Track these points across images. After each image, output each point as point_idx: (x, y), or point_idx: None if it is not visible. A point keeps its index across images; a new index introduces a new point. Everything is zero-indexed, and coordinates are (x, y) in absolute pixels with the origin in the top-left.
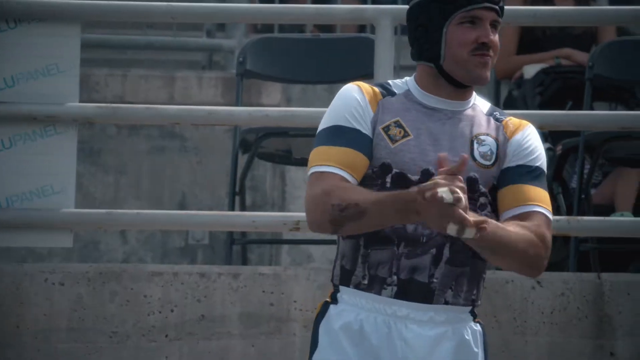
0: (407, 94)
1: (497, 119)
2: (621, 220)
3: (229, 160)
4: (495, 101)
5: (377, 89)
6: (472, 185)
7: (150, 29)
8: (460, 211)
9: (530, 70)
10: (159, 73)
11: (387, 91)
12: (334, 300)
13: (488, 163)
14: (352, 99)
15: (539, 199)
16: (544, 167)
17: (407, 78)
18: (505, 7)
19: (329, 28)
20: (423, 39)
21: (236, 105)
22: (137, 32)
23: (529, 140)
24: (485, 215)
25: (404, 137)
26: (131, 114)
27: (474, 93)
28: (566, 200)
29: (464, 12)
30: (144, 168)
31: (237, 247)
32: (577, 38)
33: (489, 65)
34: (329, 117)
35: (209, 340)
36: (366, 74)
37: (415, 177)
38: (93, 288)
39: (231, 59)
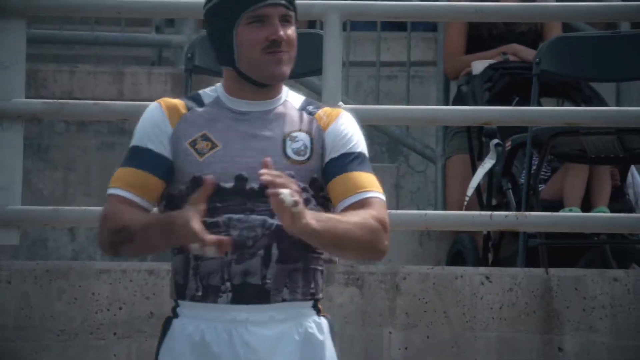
0: (217, 101)
1: (310, 113)
2: (569, 216)
3: None
4: (445, 97)
5: (182, 103)
6: None
7: (98, 24)
8: (195, 230)
9: (478, 66)
10: (108, 69)
11: (196, 102)
12: (175, 314)
13: (303, 158)
14: (149, 119)
15: (369, 184)
16: (365, 150)
17: (218, 84)
18: (452, 3)
19: None
20: (218, 44)
21: None
22: (85, 28)
23: (345, 128)
24: (311, 209)
25: (211, 149)
26: (78, 109)
27: (285, 88)
28: (515, 196)
29: (249, 12)
30: (93, 164)
31: None
32: (523, 35)
33: (283, 61)
34: (132, 137)
35: (157, 338)
36: (315, 70)
37: (229, 185)
38: (40, 286)
39: (180, 54)
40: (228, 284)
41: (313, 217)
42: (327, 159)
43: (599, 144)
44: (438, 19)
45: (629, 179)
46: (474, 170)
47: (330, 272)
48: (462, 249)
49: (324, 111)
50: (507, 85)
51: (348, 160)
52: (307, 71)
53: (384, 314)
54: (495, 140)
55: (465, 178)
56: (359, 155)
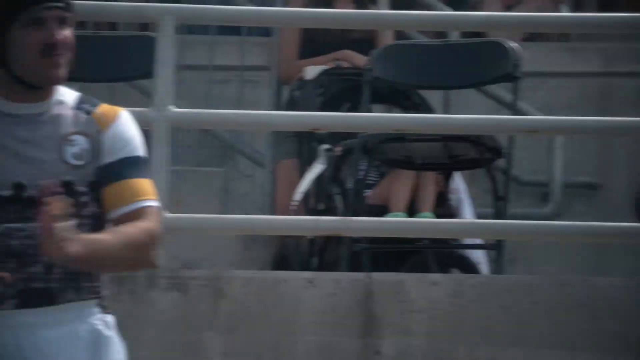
0: None
1: (87, 112)
2: (393, 221)
3: None
4: (277, 102)
5: None
6: (69, 189)
7: None
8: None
9: (311, 72)
10: None
11: None
12: None
13: (82, 163)
14: None
15: (145, 191)
16: (144, 152)
17: None
18: (286, 8)
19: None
20: None
21: None
22: None
23: (124, 129)
24: (92, 212)
25: None
26: None
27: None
28: (344, 201)
29: (24, 15)
30: None
31: None
32: (356, 42)
33: (61, 64)
34: None
35: None
36: (147, 73)
37: (7, 193)
38: None
39: None
40: (11, 290)
41: (79, 244)
42: (103, 162)
43: (425, 151)
44: (273, 24)
45: (452, 184)
46: (303, 175)
47: (152, 276)
48: (287, 254)
49: (101, 111)
50: (339, 91)
51: (126, 165)
52: (138, 74)
53: (205, 319)
54: (325, 145)
55: (294, 183)
56: (137, 158)
